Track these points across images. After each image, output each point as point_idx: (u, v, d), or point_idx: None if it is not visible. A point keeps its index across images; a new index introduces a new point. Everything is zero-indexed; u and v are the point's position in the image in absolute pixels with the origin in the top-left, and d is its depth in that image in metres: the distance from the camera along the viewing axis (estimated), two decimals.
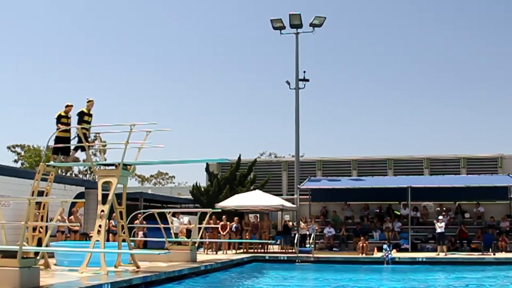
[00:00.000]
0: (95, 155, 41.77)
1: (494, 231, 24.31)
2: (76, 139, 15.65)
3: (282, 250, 24.88)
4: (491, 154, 34.38)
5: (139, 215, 21.50)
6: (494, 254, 22.50)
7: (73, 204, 21.35)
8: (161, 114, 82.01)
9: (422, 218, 26.18)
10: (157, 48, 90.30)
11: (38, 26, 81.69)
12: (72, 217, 20.73)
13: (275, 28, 28.82)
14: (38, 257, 11.43)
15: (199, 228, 20.14)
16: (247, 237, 24.42)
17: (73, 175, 53.07)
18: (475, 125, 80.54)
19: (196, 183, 31.92)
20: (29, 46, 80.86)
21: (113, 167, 15.29)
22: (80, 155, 16.27)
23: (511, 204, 25.95)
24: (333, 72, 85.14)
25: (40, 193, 15.45)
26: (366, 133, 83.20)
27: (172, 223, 20.98)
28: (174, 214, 22.55)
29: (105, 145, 18.89)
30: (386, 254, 21.59)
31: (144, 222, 21.75)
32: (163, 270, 15.13)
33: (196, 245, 19.81)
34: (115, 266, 15.33)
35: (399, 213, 26.34)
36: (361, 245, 22.78)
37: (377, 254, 22.44)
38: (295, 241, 23.16)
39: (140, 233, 22.29)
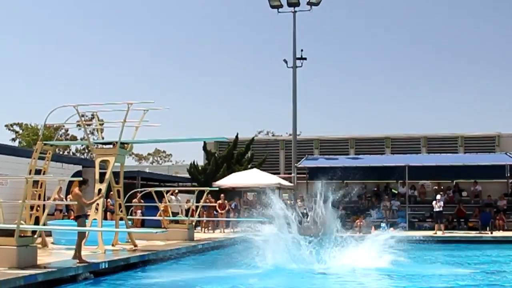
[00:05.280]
0: (92, 134, 41.55)
1: (492, 210, 24.36)
2: None
3: None
4: (489, 132, 34.30)
5: (137, 193, 21.49)
6: (491, 233, 22.58)
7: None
8: (158, 93, 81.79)
9: (420, 197, 26.19)
10: (154, 27, 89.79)
11: (38, 6, 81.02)
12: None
13: (272, 7, 28.59)
14: (35, 236, 11.42)
15: (197, 207, 20.13)
16: (245, 215, 24.39)
17: (71, 154, 52.97)
18: (473, 104, 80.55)
19: (194, 162, 31.88)
20: (30, 25, 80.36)
21: (111, 146, 15.25)
22: None
23: (508, 183, 25.98)
24: (330, 51, 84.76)
25: (38, 172, 15.40)
26: (363, 111, 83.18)
27: (169, 201, 20.98)
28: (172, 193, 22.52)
29: (103, 124, 18.79)
30: None
31: (142, 201, 21.75)
32: (160, 249, 15.15)
33: (194, 223, 19.82)
34: (113, 245, 15.36)
35: (397, 192, 26.36)
36: (358, 223, 22.82)
37: (374, 233, 22.44)
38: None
39: (138, 211, 22.29)
